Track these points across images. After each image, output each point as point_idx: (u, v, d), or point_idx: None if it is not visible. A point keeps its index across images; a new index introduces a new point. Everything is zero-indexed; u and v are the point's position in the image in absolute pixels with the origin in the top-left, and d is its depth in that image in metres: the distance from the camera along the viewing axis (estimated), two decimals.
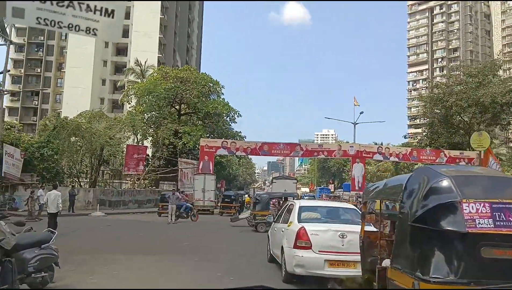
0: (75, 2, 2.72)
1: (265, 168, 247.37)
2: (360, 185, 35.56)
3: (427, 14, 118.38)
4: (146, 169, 37.30)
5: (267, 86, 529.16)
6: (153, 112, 40.95)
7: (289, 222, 8.77)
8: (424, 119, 45.57)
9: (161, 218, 24.81)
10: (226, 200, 30.95)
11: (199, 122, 42.70)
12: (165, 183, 39.25)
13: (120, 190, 33.50)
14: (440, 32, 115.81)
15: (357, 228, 7.40)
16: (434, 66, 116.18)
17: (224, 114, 42.77)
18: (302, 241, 7.79)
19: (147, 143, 40.58)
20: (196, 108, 42.03)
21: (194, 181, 32.18)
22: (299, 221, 8.41)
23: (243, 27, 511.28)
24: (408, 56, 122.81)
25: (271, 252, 10.07)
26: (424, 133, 45.70)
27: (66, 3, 2.70)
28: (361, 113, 39.44)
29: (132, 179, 37.42)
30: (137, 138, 38.95)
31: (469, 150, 37.24)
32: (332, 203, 13.29)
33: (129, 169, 33.77)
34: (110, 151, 34.26)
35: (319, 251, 7.65)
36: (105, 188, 34.85)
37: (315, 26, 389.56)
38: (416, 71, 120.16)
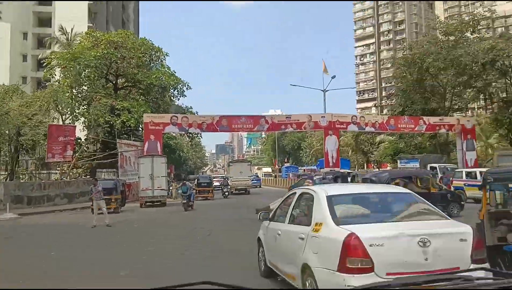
0: None
1: (213, 151, 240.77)
2: (334, 161, 31.00)
3: None
4: (76, 154, 30.37)
5: (215, 67, 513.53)
6: (83, 86, 33.70)
7: (314, 223, 5.16)
8: (376, 90, 41.83)
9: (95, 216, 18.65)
10: (203, 184, 30.83)
11: (141, 97, 35.95)
12: (104, 171, 32.42)
13: (43, 183, 26.46)
14: (386, 5, 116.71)
15: (443, 227, 4.78)
16: (381, 40, 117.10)
17: (171, 86, 36.22)
18: (355, 259, 4.40)
19: (78, 125, 33.39)
20: (136, 80, 35.12)
21: (139, 165, 25.90)
22: (337, 222, 4.88)
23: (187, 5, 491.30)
24: (355, 30, 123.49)
25: (267, 264, 6.84)
26: (394, 100, 42.18)
27: None
28: (333, 77, 34.73)
29: (61, 168, 30.41)
30: (62, 118, 31.68)
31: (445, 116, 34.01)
32: (370, 187, 8.10)
33: (54, 156, 26.71)
34: (29, 135, 27.47)
35: (387, 273, 4.29)
36: (24, 181, 27.80)
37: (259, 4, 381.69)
38: (363, 45, 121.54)
